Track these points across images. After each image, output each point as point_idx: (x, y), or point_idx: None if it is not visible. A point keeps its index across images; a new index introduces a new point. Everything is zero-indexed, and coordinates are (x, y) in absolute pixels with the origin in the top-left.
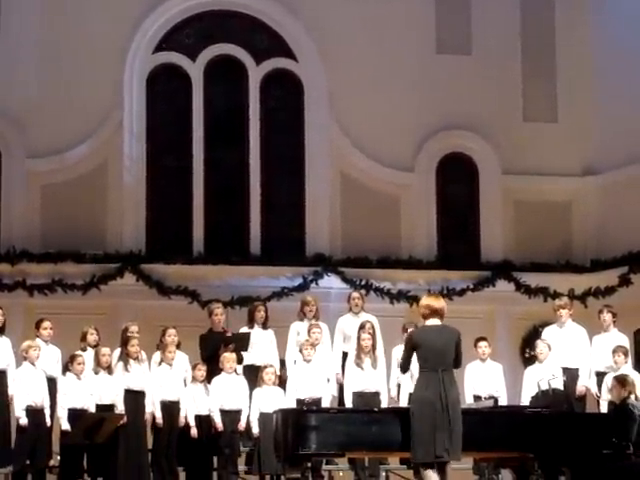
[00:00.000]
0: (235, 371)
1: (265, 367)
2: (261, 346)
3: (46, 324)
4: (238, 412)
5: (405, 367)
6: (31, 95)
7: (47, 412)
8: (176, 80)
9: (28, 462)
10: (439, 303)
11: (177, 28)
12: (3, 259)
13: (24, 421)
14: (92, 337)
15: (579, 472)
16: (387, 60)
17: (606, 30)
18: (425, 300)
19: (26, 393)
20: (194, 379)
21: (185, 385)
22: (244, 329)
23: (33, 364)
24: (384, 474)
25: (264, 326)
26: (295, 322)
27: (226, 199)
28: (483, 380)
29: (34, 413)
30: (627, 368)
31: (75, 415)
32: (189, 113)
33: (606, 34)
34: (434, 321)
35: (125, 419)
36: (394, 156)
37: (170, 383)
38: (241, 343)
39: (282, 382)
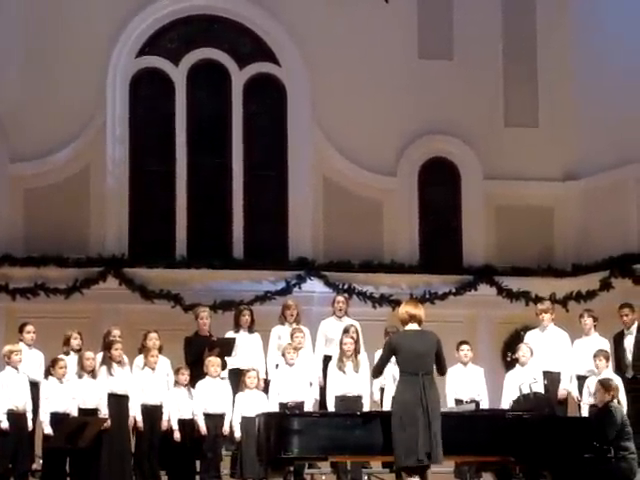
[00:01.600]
0: (219, 375)
1: (247, 371)
2: (246, 350)
3: (29, 328)
4: (222, 416)
5: (379, 371)
6: (14, 98)
7: (29, 416)
8: (159, 84)
9: (10, 466)
10: (417, 310)
11: (160, 32)
12: None
13: (5, 425)
14: (76, 341)
15: (560, 476)
16: (369, 65)
17: (587, 35)
18: (404, 307)
19: (8, 397)
20: (177, 383)
21: (167, 389)
22: (230, 334)
23: (16, 368)
24: (366, 478)
25: (250, 330)
26: (276, 326)
27: (209, 203)
28: (465, 384)
29: (16, 417)
30: (608, 372)
31: (57, 419)
32: (172, 117)
33: (587, 39)
34: (413, 326)
35: (109, 423)
36: (376, 161)
37: (153, 387)
38: (226, 348)
39: (268, 386)
